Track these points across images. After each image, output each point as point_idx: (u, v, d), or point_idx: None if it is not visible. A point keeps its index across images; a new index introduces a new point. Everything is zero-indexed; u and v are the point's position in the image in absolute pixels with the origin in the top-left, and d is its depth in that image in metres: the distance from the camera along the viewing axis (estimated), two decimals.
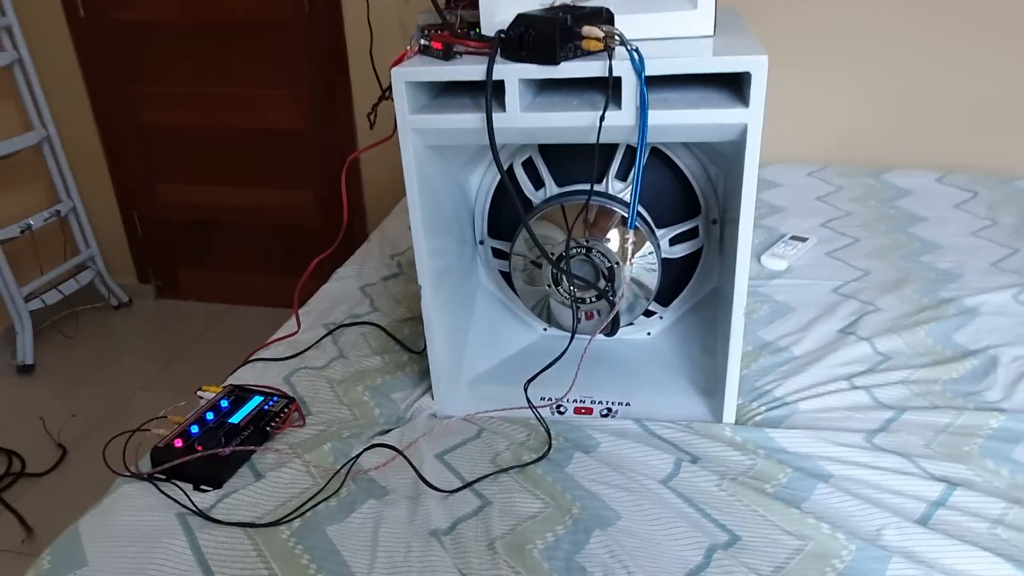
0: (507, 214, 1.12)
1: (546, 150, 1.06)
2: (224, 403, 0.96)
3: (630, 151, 1.02)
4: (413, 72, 0.85)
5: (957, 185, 1.70)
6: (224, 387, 1.01)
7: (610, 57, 0.79)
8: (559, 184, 1.05)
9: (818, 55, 1.78)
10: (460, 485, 0.86)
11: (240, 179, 2.33)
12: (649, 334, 1.18)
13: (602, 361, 1.13)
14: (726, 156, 1.00)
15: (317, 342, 1.15)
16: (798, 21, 1.77)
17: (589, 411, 1.03)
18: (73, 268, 2.35)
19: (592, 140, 0.84)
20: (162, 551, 0.75)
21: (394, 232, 1.55)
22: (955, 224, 1.52)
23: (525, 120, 0.85)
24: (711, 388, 1.04)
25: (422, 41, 0.90)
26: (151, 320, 2.47)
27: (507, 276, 1.16)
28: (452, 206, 1.07)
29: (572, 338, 0.99)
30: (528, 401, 0.97)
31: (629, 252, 0.82)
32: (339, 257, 1.54)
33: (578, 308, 1.02)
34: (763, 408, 0.99)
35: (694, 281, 1.12)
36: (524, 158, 1.06)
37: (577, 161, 1.05)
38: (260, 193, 2.33)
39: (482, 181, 1.12)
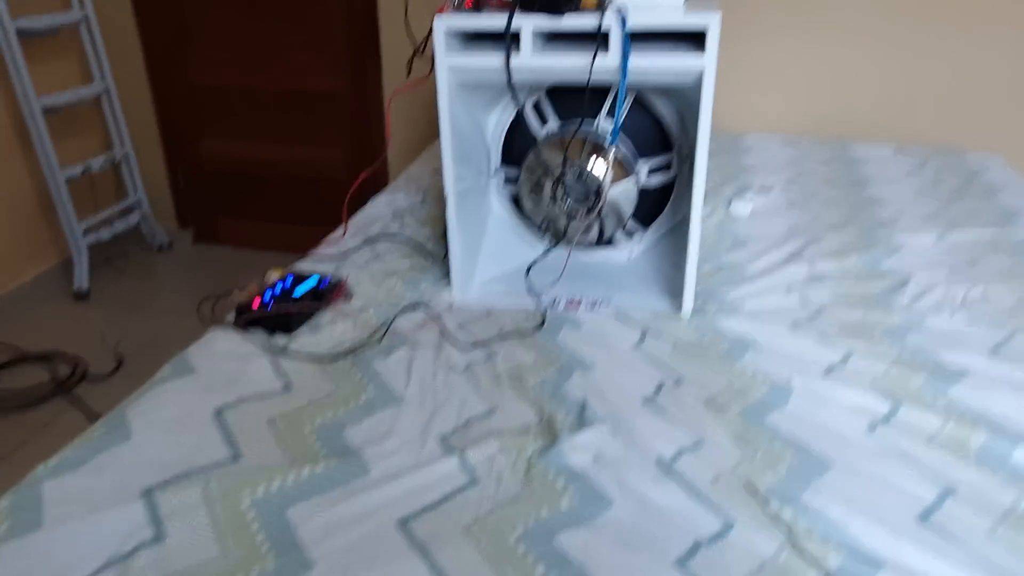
0: (518, 145, 1.36)
1: (551, 93, 1.31)
2: (288, 279, 1.21)
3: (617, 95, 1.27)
4: (451, 21, 1.10)
5: (911, 155, 1.94)
6: (287, 270, 1.26)
7: (602, 12, 1.03)
8: (561, 121, 1.30)
9: (800, 44, 2.03)
10: (473, 342, 1.11)
11: (276, 136, 2.59)
12: (631, 255, 1.43)
13: (591, 274, 1.38)
14: (694, 105, 1.25)
15: (358, 247, 1.41)
16: (788, 13, 2.01)
17: (578, 305, 1.28)
18: (123, 210, 2.61)
19: (586, 78, 1.09)
20: (253, 365, 1.01)
21: (419, 174, 1.81)
22: (903, 185, 1.76)
23: (535, 61, 1.10)
24: (677, 292, 1.28)
25: (457, 3, 1.15)
26: (190, 261, 2.73)
27: (516, 201, 1.41)
28: (472, 140, 1.32)
29: (565, 231, 1.24)
30: (528, 283, 1.22)
31: (610, 166, 1.07)
32: (369, 193, 1.80)
33: (572, 219, 1.27)
34: (715, 306, 1.24)
35: (669, 208, 1.37)
36: (534, 100, 1.31)
37: (576, 102, 1.29)
38: (293, 150, 2.59)
39: (499, 120, 1.37)
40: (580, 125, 1.24)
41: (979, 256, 1.40)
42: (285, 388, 0.98)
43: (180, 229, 2.84)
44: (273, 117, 2.55)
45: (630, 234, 1.40)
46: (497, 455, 0.87)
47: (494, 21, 1.09)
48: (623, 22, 1.03)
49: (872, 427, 0.92)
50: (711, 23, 1.02)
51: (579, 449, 0.88)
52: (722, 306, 1.24)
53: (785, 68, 2.07)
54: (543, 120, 1.31)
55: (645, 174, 1.31)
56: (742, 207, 1.62)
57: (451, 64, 1.13)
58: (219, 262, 2.73)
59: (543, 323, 1.17)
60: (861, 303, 1.23)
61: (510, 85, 1.09)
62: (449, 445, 0.89)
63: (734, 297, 1.27)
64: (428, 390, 0.99)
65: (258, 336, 1.09)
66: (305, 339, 1.09)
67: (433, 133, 2.16)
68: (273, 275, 1.24)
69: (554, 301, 1.29)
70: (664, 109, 1.28)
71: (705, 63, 1.05)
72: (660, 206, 1.37)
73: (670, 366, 1.06)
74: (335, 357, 1.05)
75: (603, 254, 1.42)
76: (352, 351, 1.07)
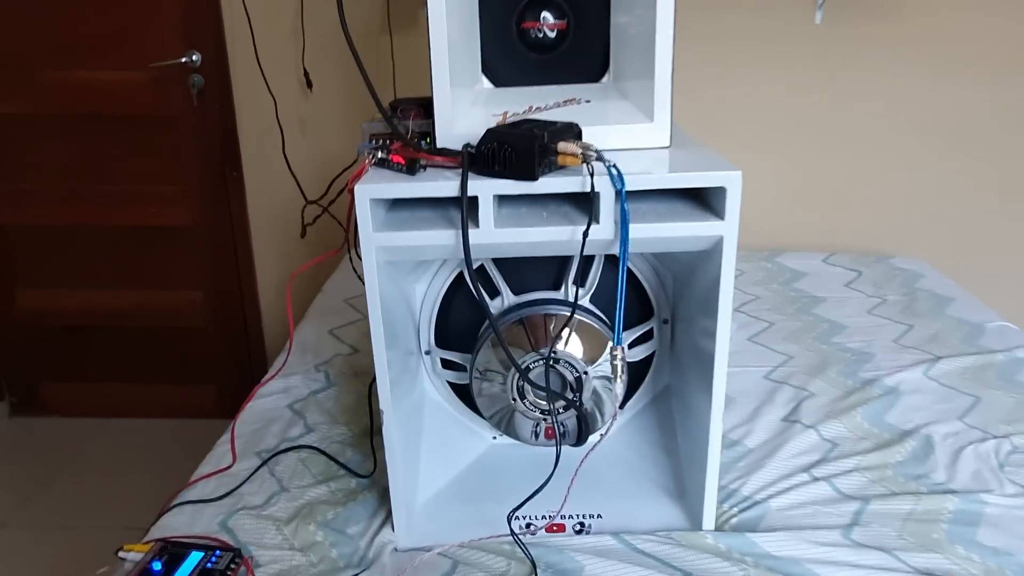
0: (456, 323, 1.07)
1: (499, 258, 1.03)
2: (156, 566, 0.82)
3: (585, 257, 1.02)
4: (379, 189, 0.80)
5: (842, 265, 1.85)
6: (152, 543, 0.87)
7: (592, 173, 0.78)
8: (515, 292, 1.02)
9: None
10: None
11: (116, 280, 2.13)
12: (603, 437, 1.15)
13: (561, 471, 1.09)
14: (677, 259, 1.01)
15: (252, 475, 1.03)
16: (702, 120, 1.88)
17: (562, 528, 0.98)
18: None
19: (569, 252, 0.83)
20: None
21: (314, 339, 1.46)
22: (851, 304, 1.64)
23: (499, 236, 0.82)
24: (680, 490, 1.02)
25: (379, 154, 0.86)
26: (8, 442, 2.16)
27: (455, 387, 1.11)
28: (400, 316, 1.02)
29: (558, 456, 0.94)
30: (512, 532, 0.90)
31: (620, 369, 0.80)
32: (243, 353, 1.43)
33: (545, 420, 0.98)
34: (735, 510, 0.99)
35: (648, 381, 1.11)
36: (476, 266, 1.03)
37: (531, 268, 1.02)
38: (140, 295, 2.14)
39: (428, 290, 1.07)
40: (573, 311, 0.97)
41: (978, 393, 1.25)
42: None
43: None
44: (110, 258, 2.11)
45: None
46: None
47: (439, 187, 0.80)
48: (620, 182, 0.78)
49: None
50: (731, 183, 0.79)
51: None
52: (744, 509, 0.98)
53: None
54: (492, 292, 1.03)
55: (627, 348, 1.05)
56: None
57: (382, 243, 0.83)
58: (47, 438, 2.19)
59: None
60: (899, 484, 1.02)
61: (468, 268, 0.80)
62: None
63: (752, 492, 1.02)
64: None
65: None
66: None
67: (316, 279, 1.81)
68: (131, 555, 0.85)
69: (528, 525, 0.98)
70: (642, 269, 1.04)
71: (725, 230, 0.81)
72: (638, 377, 1.11)
73: None
74: None
75: None
76: None
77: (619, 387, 0.80)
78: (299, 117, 1.89)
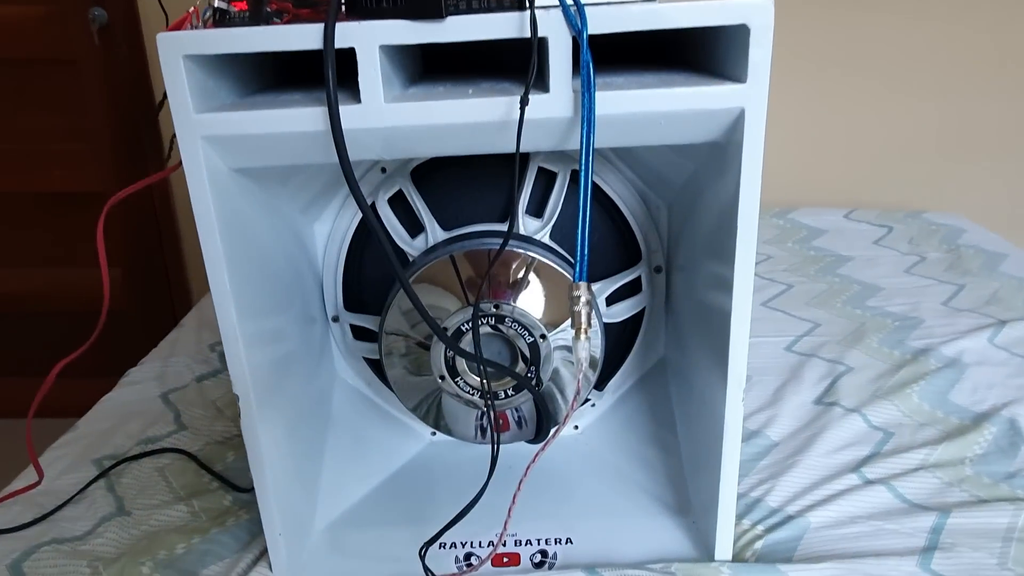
0: (372, 277, 0.78)
1: (423, 181, 0.74)
2: None
3: (543, 175, 0.73)
4: (196, 39, 0.50)
5: (867, 221, 1.56)
6: None
7: (532, 6, 0.48)
8: (445, 228, 0.73)
9: None
10: None
11: (17, 258, 1.83)
12: (577, 427, 0.86)
13: (517, 473, 0.80)
14: (670, 182, 0.73)
15: (78, 493, 0.74)
16: None
17: (516, 560, 0.69)
18: None
19: (505, 148, 0.53)
20: None
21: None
22: (884, 263, 1.35)
23: (394, 115, 0.52)
24: (681, 503, 0.73)
25: (217, 4, 0.56)
26: None
27: (376, 364, 0.82)
28: (289, 269, 0.72)
29: (495, 458, 0.64)
30: (428, 572, 0.61)
31: (584, 318, 0.51)
32: (138, 352, 1.14)
33: (492, 407, 0.69)
34: (761, 528, 0.70)
35: (636, 352, 0.82)
36: (392, 192, 0.74)
37: (467, 194, 0.73)
38: (45, 274, 1.84)
39: (331, 232, 0.78)
40: (506, 240, 0.67)
41: None
42: None
43: None
44: (7, 231, 1.80)
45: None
46: None
47: (290, 35, 0.50)
48: (581, 19, 0.48)
49: None
50: (757, 16, 0.50)
51: None
52: (773, 528, 0.69)
53: None
54: (413, 227, 0.73)
55: (602, 305, 0.76)
56: None
57: (211, 131, 0.53)
58: None
59: None
60: (985, 486, 0.74)
61: (341, 155, 0.51)
62: None
63: (782, 502, 0.73)
64: None
65: None
66: None
67: None
68: None
69: (468, 556, 0.69)
70: (621, 193, 0.75)
71: (747, 99, 0.52)
72: (622, 348, 0.82)
73: None
74: None
75: None
76: None
77: (582, 349, 0.50)
78: None
